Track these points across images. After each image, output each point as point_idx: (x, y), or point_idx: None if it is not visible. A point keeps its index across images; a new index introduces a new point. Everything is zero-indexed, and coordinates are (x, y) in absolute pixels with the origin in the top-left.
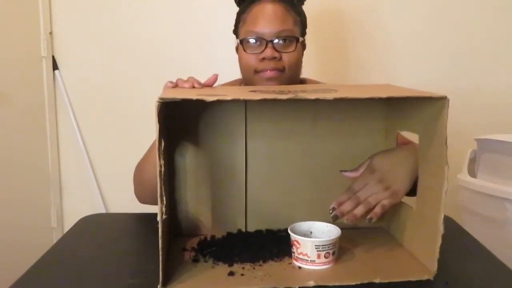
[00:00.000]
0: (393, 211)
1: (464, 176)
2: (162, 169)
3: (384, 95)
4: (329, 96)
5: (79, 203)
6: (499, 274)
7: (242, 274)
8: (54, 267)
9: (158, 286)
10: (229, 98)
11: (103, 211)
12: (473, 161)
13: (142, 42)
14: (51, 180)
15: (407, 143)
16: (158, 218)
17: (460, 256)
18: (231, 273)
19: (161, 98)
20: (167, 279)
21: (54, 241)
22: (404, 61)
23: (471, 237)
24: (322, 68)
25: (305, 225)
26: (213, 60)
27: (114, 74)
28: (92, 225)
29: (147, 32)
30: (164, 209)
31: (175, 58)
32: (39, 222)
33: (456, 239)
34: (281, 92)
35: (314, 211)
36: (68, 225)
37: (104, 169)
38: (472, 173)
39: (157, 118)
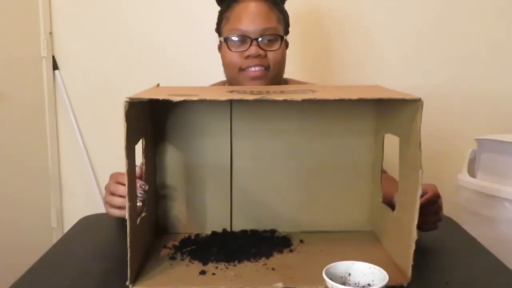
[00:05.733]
0: (378, 215)
1: (464, 176)
2: (143, 167)
3: (355, 96)
4: (298, 97)
5: (79, 203)
6: (499, 274)
7: (213, 274)
8: (54, 267)
9: (127, 283)
10: (196, 98)
11: (103, 211)
12: (473, 161)
13: (142, 42)
14: (51, 180)
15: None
16: (127, 217)
17: (460, 256)
18: (203, 272)
19: (129, 98)
20: (140, 276)
21: (54, 241)
22: (403, 61)
23: (471, 237)
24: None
25: (343, 266)
26: (213, 60)
27: (114, 74)
28: (92, 225)
29: (147, 32)
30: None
31: (175, 58)
32: (39, 222)
33: (456, 239)
34: (251, 93)
35: (300, 211)
36: (68, 225)
37: (104, 169)
38: (472, 173)
39: (125, 118)
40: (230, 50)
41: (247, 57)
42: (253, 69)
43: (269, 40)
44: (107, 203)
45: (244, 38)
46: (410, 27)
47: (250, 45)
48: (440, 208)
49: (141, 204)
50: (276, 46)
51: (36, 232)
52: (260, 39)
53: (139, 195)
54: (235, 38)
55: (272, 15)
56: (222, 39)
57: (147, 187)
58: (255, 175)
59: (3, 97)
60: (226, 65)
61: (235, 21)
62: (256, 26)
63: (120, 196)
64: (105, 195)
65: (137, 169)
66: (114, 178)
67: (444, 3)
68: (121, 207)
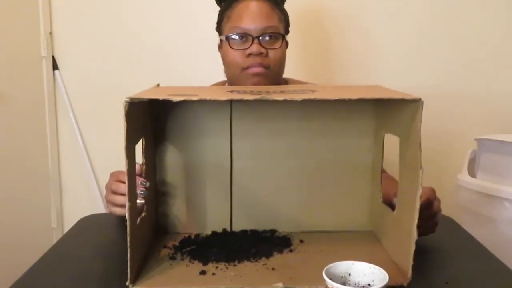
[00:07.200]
0: (378, 215)
1: (464, 176)
2: (143, 166)
3: (355, 96)
4: (298, 97)
5: (79, 203)
6: (499, 274)
7: (213, 274)
8: (54, 267)
9: (127, 283)
10: (196, 98)
11: (103, 211)
12: (473, 161)
13: (142, 42)
14: (51, 180)
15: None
16: (127, 216)
17: (460, 256)
18: (203, 272)
19: (129, 98)
20: (140, 276)
21: (54, 241)
22: (403, 61)
23: (471, 237)
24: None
25: (343, 266)
26: (213, 60)
27: (114, 74)
28: (92, 225)
29: (147, 32)
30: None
31: (175, 58)
32: (39, 222)
33: (456, 239)
34: (252, 93)
35: (300, 211)
36: (68, 225)
37: (104, 169)
38: (472, 173)
39: (125, 118)
40: (232, 48)
41: (249, 55)
42: (254, 67)
43: (270, 38)
44: (109, 202)
45: (246, 36)
46: (410, 27)
47: (252, 43)
48: (436, 212)
49: (143, 201)
50: (277, 44)
51: (36, 232)
52: (261, 37)
53: (140, 192)
54: (236, 37)
55: (273, 14)
56: (223, 37)
57: (148, 184)
58: (255, 175)
59: (3, 97)
60: (227, 64)
61: (236, 19)
62: (258, 24)
63: (122, 194)
64: (106, 194)
65: (137, 166)
66: (115, 176)
67: (444, 3)
68: (123, 206)
